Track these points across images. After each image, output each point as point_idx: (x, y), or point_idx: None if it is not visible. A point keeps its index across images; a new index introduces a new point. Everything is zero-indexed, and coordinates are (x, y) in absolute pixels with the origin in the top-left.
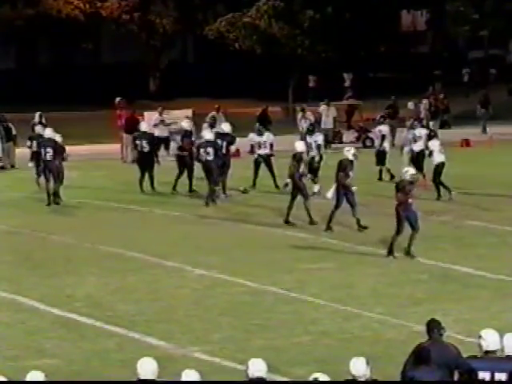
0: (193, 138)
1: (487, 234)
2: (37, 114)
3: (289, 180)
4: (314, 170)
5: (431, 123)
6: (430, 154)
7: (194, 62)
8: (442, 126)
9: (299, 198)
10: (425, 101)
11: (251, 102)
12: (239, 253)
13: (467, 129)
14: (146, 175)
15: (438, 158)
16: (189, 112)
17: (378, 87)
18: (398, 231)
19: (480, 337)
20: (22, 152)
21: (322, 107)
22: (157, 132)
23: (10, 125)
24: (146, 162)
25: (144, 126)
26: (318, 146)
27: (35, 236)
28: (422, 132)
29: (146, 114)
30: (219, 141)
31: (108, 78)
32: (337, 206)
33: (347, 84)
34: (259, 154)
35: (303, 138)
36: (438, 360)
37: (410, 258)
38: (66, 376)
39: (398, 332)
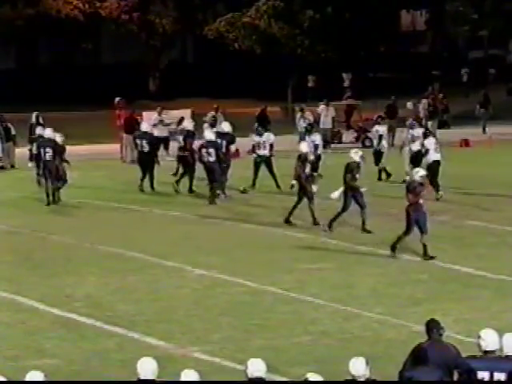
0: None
1: (487, 233)
2: (33, 115)
3: (294, 181)
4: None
5: (429, 123)
6: (426, 152)
7: (194, 61)
8: (441, 126)
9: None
10: (424, 101)
11: (251, 102)
12: (239, 253)
13: (467, 129)
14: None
15: (434, 156)
16: (187, 112)
17: (378, 87)
18: (407, 232)
19: (479, 337)
20: (22, 152)
21: (321, 107)
22: (156, 132)
23: (10, 125)
24: (146, 161)
25: (145, 126)
26: (316, 146)
27: (35, 236)
28: (420, 132)
29: (144, 113)
30: (219, 140)
31: (108, 78)
32: (344, 209)
33: (346, 84)
34: (259, 155)
35: (302, 138)
36: (438, 360)
37: (428, 259)
38: (66, 376)
39: (397, 332)
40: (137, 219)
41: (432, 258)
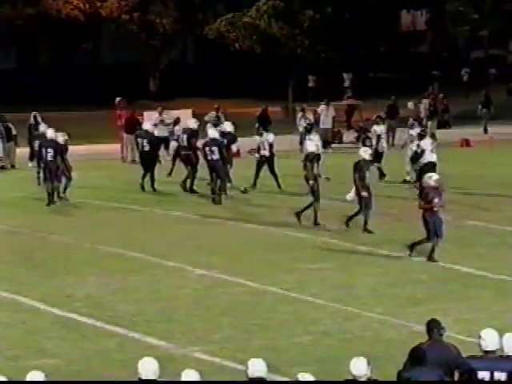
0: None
1: (487, 233)
2: (32, 115)
3: (312, 181)
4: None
5: (429, 123)
6: (422, 153)
7: (194, 61)
8: (441, 126)
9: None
10: (425, 101)
11: (251, 102)
12: (240, 253)
13: (467, 129)
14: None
15: (429, 157)
16: (188, 112)
17: (378, 87)
18: (428, 237)
19: (480, 337)
20: (23, 152)
21: (322, 107)
22: (156, 132)
23: (10, 125)
24: (147, 160)
25: (147, 126)
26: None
27: (35, 236)
28: (425, 131)
29: (145, 113)
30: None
31: (108, 78)
32: (361, 206)
33: (347, 84)
34: (260, 155)
35: (302, 138)
36: (438, 360)
37: (431, 261)
38: (67, 376)
39: (398, 332)
40: (137, 219)
41: (435, 261)
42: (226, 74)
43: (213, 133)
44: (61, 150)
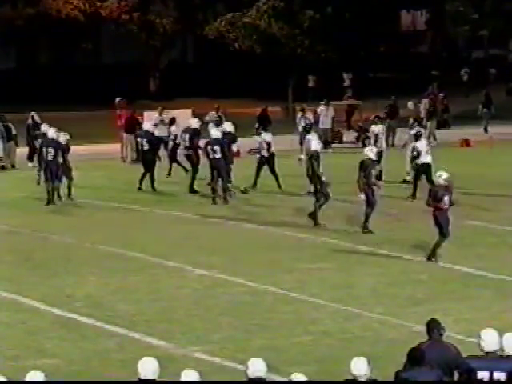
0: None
1: (487, 233)
2: (30, 115)
3: (324, 178)
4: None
5: (428, 123)
6: (418, 154)
7: (194, 61)
8: (441, 126)
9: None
10: (425, 101)
11: (251, 102)
12: (240, 253)
13: (467, 129)
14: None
15: (424, 158)
16: (188, 112)
17: (378, 87)
18: (444, 235)
19: (480, 337)
20: (23, 152)
21: (321, 107)
22: (157, 132)
23: (11, 125)
24: (147, 160)
25: (147, 126)
26: None
27: (36, 236)
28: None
29: (145, 113)
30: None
31: (108, 78)
32: (371, 206)
33: (347, 84)
34: (260, 155)
35: (302, 138)
36: (438, 360)
37: (432, 260)
38: (67, 376)
39: (398, 332)
40: (137, 219)
41: (435, 261)
42: (226, 73)
43: (215, 132)
44: (63, 149)
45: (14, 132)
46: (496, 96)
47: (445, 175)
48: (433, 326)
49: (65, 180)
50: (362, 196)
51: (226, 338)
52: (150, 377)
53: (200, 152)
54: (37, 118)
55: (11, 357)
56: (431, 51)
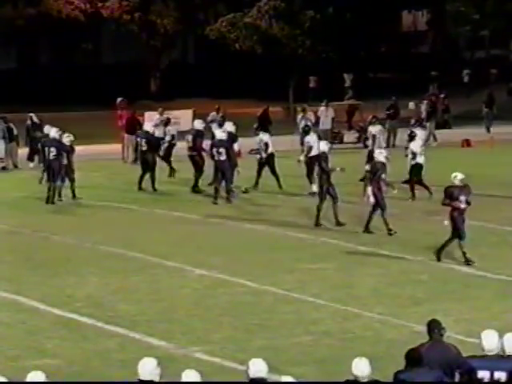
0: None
1: (488, 233)
2: (28, 116)
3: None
4: (309, 169)
5: (427, 124)
6: (414, 155)
7: (195, 62)
8: (441, 126)
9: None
10: (426, 101)
11: (252, 103)
12: (240, 253)
13: (468, 129)
14: (148, 174)
15: (417, 159)
16: (189, 112)
17: (379, 87)
18: (458, 235)
19: (480, 338)
20: (24, 152)
21: (321, 108)
22: (157, 132)
23: (12, 125)
24: (145, 160)
25: (147, 126)
26: (310, 148)
27: (36, 236)
28: (421, 133)
29: (146, 114)
30: None
31: (108, 79)
32: (382, 209)
33: (348, 84)
34: (260, 156)
35: (302, 139)
36: (439, 360)
37: (436, 260)
38: (67, 376)
39: (398, 332)
40: (138, 219)
41: (439, 260)
42: (227, 74)
43: (220, 133)
44: (67, 150)
45: (15, 132)
46: (497, 96)
47: (460, 176)
48: (433, 327)
49: (67, 181)
50: (371, 199)
51: (226, 338)
52: (148, 377)
53: (204, 153)
54: (35, 119)
55: (12, 357)
56: (432, 51)
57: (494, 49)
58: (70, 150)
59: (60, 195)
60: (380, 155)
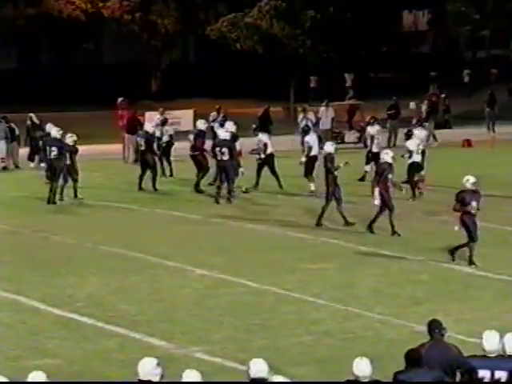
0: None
1: (488, 233)
2: (28, 117)
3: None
4: (307, 169)
5: (426, 124)
6: (411, 154)
7: (196, 62)
8: (442, 126)
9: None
10: (426, 101)
11: (252, 102)
12: (241, 253)
13: (468, 129)
14: (148, 174)
15: (414, 157)
16: (189, 112)
17: (380, 87)
18: (472, 239)
19: (481, 339)
20: (25, 152)
21: (321, 109)
22: (158, 132)
23: (14, 125)
24: (144, 160)
25: (148, 126)
26: (310, 148)
27: (37, 236)
28: (421, 132)
29: (147, 114)
30: None
31: (109, 78)
32: (390, 210)
33: (348, 84)
34: (259, 157)
35: (302, 139)
36: (440, 360)
37: (452, 261)
38: (68, 376)
39: (399, 332)
40: (138, 219)
41: (474, 264)
42: (228, 74)
43: (224, 133)
44: (70, 150)
45: (17, 132)
46: (498, 96)
47: (472, 179)
48: (434, 327)
49: (70, 181)
50: (376, 201)
51: (227, 338)
52: (146, 378)
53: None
54: (35, 120)
55: (12, 357)
56: (433, 51)
57: (494, 49)
58: (73, 150)
59: (62, 195)
60: (387, 155)
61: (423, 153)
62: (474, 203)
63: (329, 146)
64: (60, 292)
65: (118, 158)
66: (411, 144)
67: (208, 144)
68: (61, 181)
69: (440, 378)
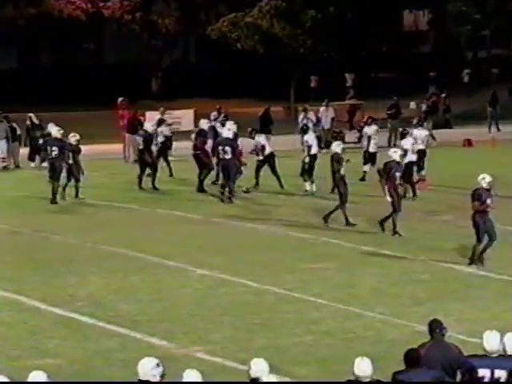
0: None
1: None
2: (28, 117)
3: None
4: (306, 169)
5: (424, 123)
6: (405, 153)
7: (196, 62)
8: (442, 126)
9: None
10: (426, 101)
11: (253, 102)
12: (241, 253)
13: (469, 128)
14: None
15: (409, 157)
16: (190, 112)
17: (380, 87)
18: (479, 240)
19: (482, 339)
20: (25, 152)
21: (322, 109)
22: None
23: (15, 125)
24: (143, 160)
25: (148, 126)
26: (309, 147)
27: (37, 236)
28: (422, 132)
29: (147, 113)
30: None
31: (110, 78)
32: (395, 210)
33: (349, 84)
34: (257, 159)
35: (302, 138)
36: (441, 360)
37: (479, 264)
38: (68, 376)
39: (400, 332)
40: (139, 219)
41: (482, 263)
42: (228, 74)
43: (227, 132)
44: (72, 150)
45: (18, 132)
46: (498, 96)
47: (488, 178)
48: (435, 326)
49: (72, 181)
50: (388, 198)
51: (227, 337)
52: (146, 378)
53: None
54: (35, 120)
55: (13, 357)
56: (433, 51)
57: (495, 48)
58: (76, 150)
59: (64, 194)
60: (395, 154)
61: (424, 153)
62: (489, 201)
63: (336, 147)
64: (61, 292)
65: (119, 158)
66: (406, 143)
67: (209, 144)
68: (64, 180)
69: (440, 377)
